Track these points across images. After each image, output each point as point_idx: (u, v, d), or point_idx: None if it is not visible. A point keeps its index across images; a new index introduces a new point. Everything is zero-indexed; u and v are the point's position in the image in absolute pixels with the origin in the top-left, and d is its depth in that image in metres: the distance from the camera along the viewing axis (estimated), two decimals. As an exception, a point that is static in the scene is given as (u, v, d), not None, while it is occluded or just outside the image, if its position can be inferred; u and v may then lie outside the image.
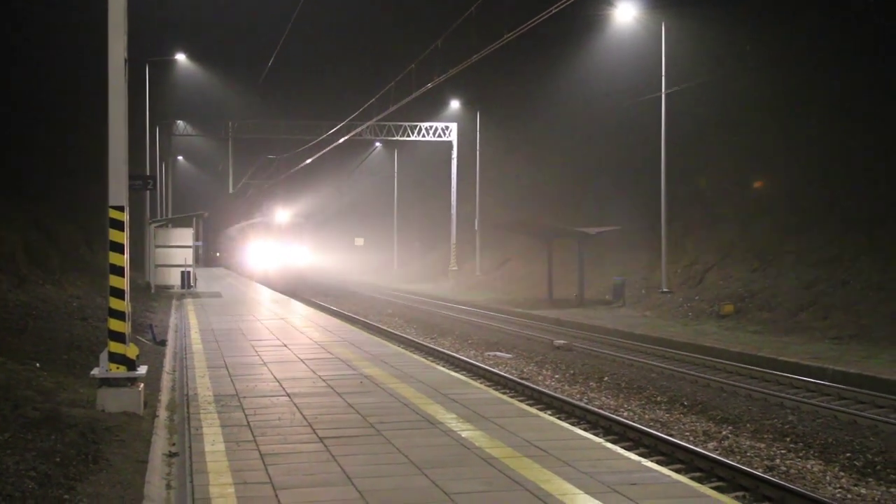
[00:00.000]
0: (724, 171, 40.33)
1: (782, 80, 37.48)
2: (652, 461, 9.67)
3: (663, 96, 36.11)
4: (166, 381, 14.43)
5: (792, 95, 37.06)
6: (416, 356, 17.23)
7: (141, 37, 31.94)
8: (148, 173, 44.00)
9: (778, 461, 13.24)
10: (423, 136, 64.65)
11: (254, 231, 58.45)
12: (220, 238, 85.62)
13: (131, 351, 11.73)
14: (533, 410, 11.83)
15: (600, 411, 16.35)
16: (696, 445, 13.86)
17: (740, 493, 11.33)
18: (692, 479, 10.30)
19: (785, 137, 37.22)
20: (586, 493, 7.66)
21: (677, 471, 10.98)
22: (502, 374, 20.63)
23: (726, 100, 39.77)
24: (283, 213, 56.01)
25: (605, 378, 21.01)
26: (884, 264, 28.22)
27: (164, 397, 12.85)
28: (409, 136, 64.44)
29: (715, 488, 10.69)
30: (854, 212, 31.47)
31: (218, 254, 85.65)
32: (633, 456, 9.22)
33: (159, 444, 9.86)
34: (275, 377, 14.46)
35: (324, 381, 14.09)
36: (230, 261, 74.20)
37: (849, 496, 11.58)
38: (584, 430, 12.85)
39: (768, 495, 11.18)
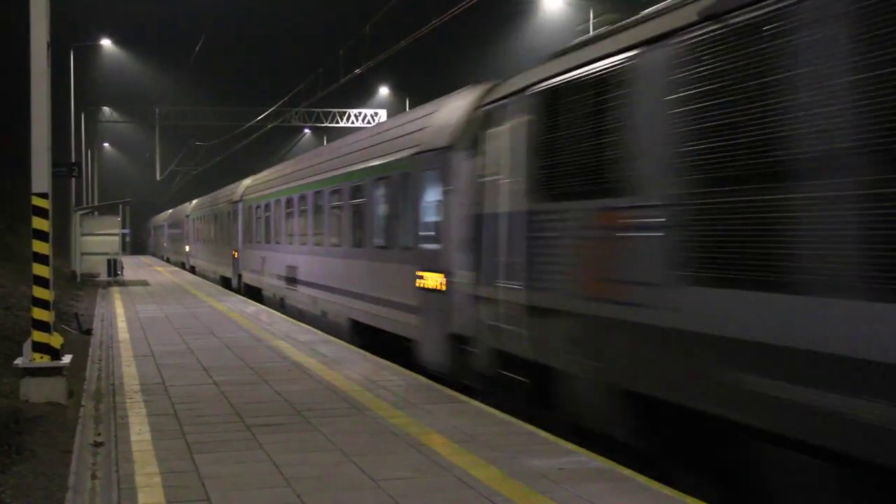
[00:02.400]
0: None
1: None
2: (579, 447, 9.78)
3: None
4: (92, 370, 14.25)
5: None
6: (345, 344, 17.21)
7: (65, 21, 31.36)
8: (73, 160, 43.23)
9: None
10: (353, 122, 64.55)
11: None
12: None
13: (55, 340, 11.59)
14: (462, 397, 11.89)
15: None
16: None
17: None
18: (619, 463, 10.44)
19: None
20: (514, 478, 7.72)
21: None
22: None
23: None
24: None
25: (535, 364, 21.15)
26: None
27: (90, 386, 12.69)
28: (338, 122, 64.31)
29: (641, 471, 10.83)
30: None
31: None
32: (560, 442, 9.31)
33: (84, 433, 9.74)
34: (202, 365, 14.35)
35: (252, 369, 14.02)
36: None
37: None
38: (513, 416, 12.95)
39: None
